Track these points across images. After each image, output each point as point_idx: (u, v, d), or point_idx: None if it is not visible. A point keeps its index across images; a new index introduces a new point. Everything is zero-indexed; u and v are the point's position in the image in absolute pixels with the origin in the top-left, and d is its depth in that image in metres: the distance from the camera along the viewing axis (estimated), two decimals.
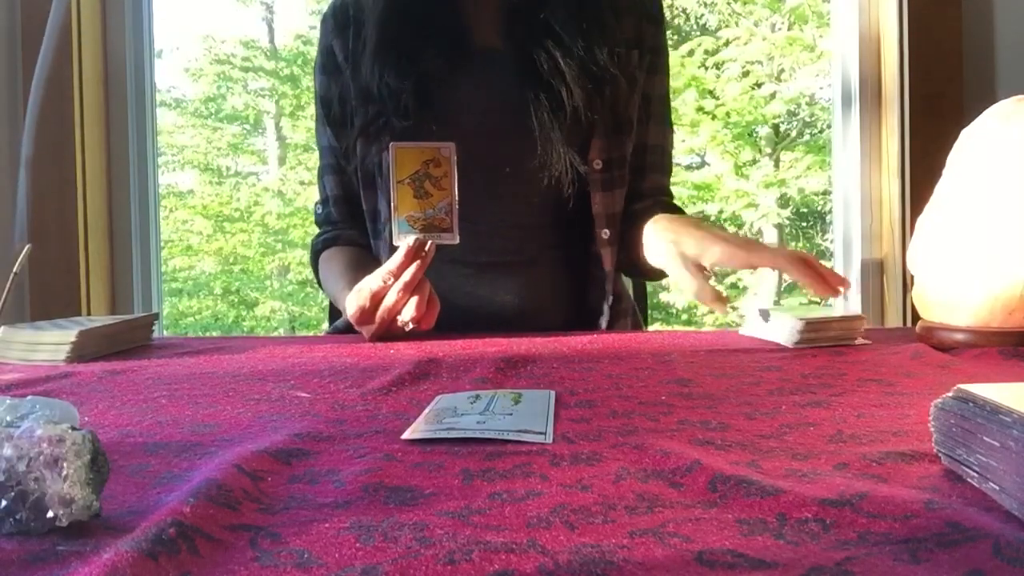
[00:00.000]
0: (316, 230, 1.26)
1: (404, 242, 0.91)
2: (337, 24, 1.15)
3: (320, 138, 1.20)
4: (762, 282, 6.34)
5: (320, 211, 1.23)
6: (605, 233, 1.08)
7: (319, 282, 1.23)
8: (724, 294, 0.93)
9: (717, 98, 6.31)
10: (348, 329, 1.17)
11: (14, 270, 0.83)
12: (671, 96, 1.23)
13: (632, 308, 1.20)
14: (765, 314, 0.92)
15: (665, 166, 1.19)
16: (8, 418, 0.43)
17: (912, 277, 0.88)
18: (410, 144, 0.93)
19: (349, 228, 1.19)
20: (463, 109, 1.08)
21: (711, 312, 6.27)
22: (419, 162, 0.93)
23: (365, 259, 1.15)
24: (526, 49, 1.06)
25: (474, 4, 1.11)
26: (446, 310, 1.07)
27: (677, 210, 1.15)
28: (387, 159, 1.07)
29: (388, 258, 1.07)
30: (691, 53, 6.27)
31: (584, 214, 1.09)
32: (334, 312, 1.34)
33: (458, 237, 0.93)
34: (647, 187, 1.16)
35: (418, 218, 0.93)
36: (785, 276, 6.34)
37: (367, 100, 1.08)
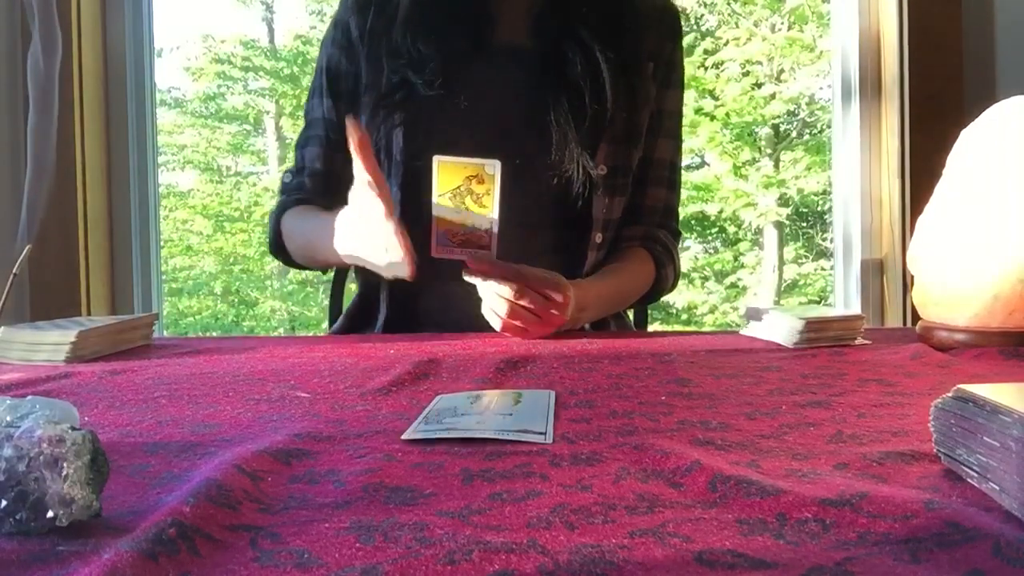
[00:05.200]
0: None
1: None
2: (358, 1, 1.14)
3: (314, 109, 1.18)
4: (762, 282, 6.35)
5: (290, 180, 1.19)
6: (598, 237, 1.09)
7: (280, 240, 1.17)
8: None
9: (717, 98, 6.31)
10: (350, 330, 1.17)
11: (14, 271, 0.83)
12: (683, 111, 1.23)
13: (617, 314, 1.20)
14: (756, 313, 0.92)
15: (671, 181, 1.19)
16: (8, 418, 0.43)
17: (912, 277, 0.88)
18: (453, 159, 0.93)
19: (321, 201, 1.14)
20: (480, 98, 1.08)
21: (711, 312, 6.27)
22: (461, 177, 0.93)
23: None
24: (552, 47, 1.06)
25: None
26: (445, 309, 1.07)
27: (661, 250, 1.15)
28: (398, 139, 1.07)
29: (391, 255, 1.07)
30: (690, 53, 6.27)
31: (581, 218, 1.09)
32: (334, 312, 1.34)
33: (496, 255, 0.93)
34: (647, 204, 1.17)
35: (457, 233, 0.93)
36: (786, 277, 6.32)
37: (392, 65, 1.07)
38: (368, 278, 1.13)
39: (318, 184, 1.16)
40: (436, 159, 0.93)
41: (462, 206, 0.93)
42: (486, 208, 0.93)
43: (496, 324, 0.93)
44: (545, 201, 1.08)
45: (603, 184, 1.07)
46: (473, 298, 0.95)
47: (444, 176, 0.93)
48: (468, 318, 0.98)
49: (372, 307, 1.13)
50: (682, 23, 1.19)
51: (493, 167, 0.92)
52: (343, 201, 1.12)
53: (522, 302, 0.90)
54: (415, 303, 1.11)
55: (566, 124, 1.04)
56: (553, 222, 1.10)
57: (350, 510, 0.37)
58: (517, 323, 0.91)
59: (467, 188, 0.93)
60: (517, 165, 0.96)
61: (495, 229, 0.93)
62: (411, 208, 1.07)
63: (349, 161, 1.12)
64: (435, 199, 0.93)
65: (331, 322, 1.33)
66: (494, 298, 0.91)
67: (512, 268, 0.91)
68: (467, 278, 0.94)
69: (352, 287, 1.27)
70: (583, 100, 1.04)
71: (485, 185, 0.93)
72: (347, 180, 1.12)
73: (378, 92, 1.08)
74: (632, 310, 1.32)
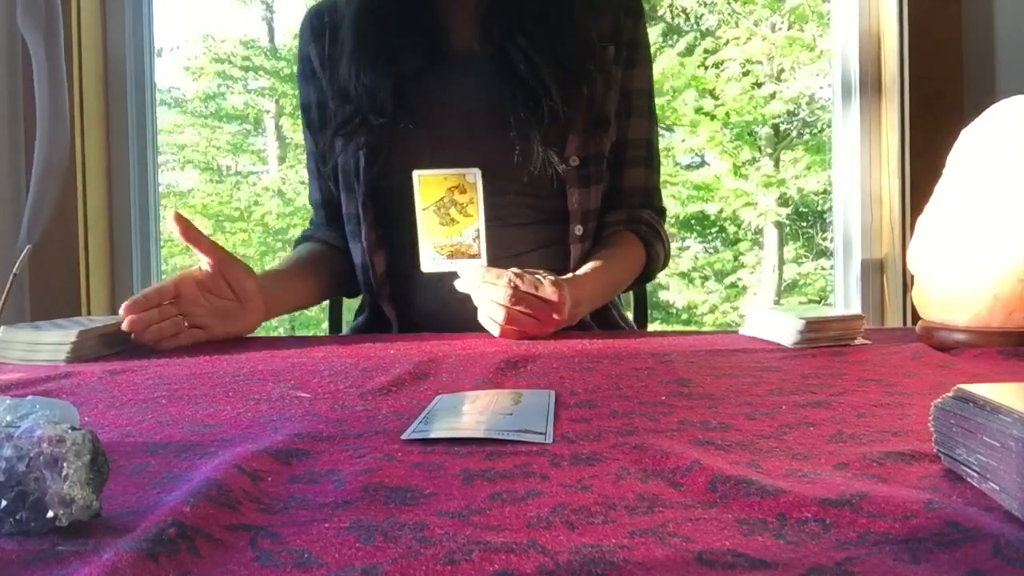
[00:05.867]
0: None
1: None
2: (313, 30, 1.16)
3: (305, 143, 1.22)
4: (761, 282, 6.35)
5: (311, 212, 1.27)
6: (578, 229, 1.09)
7: None
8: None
9: (717, 98, 6.31)
10: (363, 330, 1.18)
11: (14, 271, 0.83)
12: (655, 90, 1.22)
13: (613, 302, 1.20)
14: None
15: (649, 160, 1.19)
16: (8, 418, 0.43)
17: (912, 277, 0.88)
18: (433, 171, 0.93)
19: (327, 230, 1.21)
20: (441, 108, 1.08)
21: (711, 312, 6.27)
22: (443, 189, 0.93)
23: (317, 258, 1.16)
24: (502, 48, 1.06)
25: (450, 5, 1.11)
26: (441, 313, 1.07)
27: (647, 230, 1.15)
28: (361, 163, 1.07)
29: (372, 265, 1.08)
30: (690, 52, 6.27)
31: (561, 212, 1.09)
32: (334, 312, 1.34)
33: (486, 262, 0.93)
34: (626, 186, 1.16)
35: (444, 245, 0.94)
36: (786, 276, 6.32)
37: (344, 101, 1.08)
38: (373, 298, 1.13)
39: (321, 214, 1.22)
40: (416, 173, 0.93)
41: (447, 218, 0.93)
42: (471, 217, 0.93)
43: (494, 331, 0.93)
44: (521, 200, 1.08)
45: (576, 176, 1.07)
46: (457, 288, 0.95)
47: (426, 190, 0.93)
48: (472, 321, 0.98)
49: (380, 326, 1.13)
50: (642, 1, 1.18)
51: (474, 175, 0.92)
52: (340, 228, 1.15)
53: (518, 307, 0.90)
54: (417, 312, 1.11)
55: (526, 123, 1.04)
56: (532, 220, 1.10)
57: (350, 510, 0.37)
58: (515, 328, 0.91)
59: (450, 199, 0.93)
60: (488, 168, 0.97)
61: (482, 236, 0.93)
62: (379, 230, 1.08)
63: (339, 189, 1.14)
64: (419, 213, 0.93)
65: (331, 325, 1.33)
66: (490, 305, 0.91)
67: (505, 273, 0.91)
68: (460, 288, 0.94)
69: None
70: (539, 98, 1.04)
71: (467, 194, 0.93)
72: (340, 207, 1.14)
73: (340, 119, 1.09)
74: (632, 309, 1.32)
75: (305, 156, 1.24)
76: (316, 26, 1.16)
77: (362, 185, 1.07)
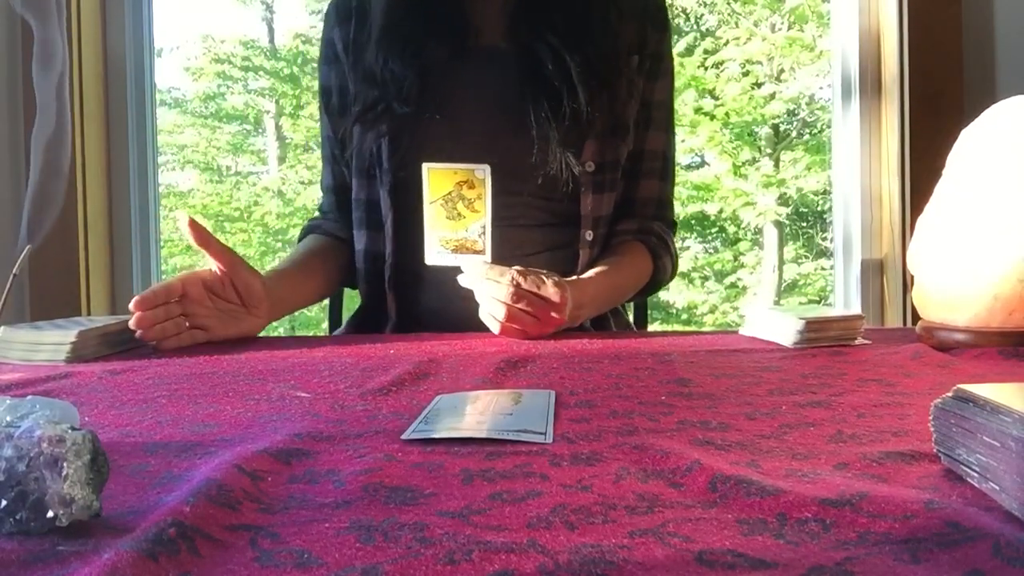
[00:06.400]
0: None
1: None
2: (339, 15, 1.16)
3: (321, 128, 1.22)
4: (761, 282, 6.35)
5: (321, 199, 1.27)
6: (588, 234, 1.09)
7: None
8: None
9: (717, 98, 6.31)
10: (356, 330, 1.17)
11: (14, 271, 0.83)
12: (675, 101, 1.22)
13: (617, 310, 1.20)
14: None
15: (664, 172, 1.19)
16: (8, 418, 0.43)
17: (912, 277, 0.88)
18: (443, 165, 0.93)
19: (334, 220, 1.21)
20: (461, 103, 1.08)
21: (711, 312, 6.28)
22: (452, 183, 0.93)
23: (323, 252, 1.17)
24: (529, 48, 1.06)
25: (480, 2, 1.11)
26: (444, 311, 1.07)
27: (656, 242, 1.15)
28: (384, 149, 1.07)
29: (391, 252, 1.08)
30: (690, 52, 6.27)
31: (573, 215, 1.09)
32: (334, 312, 1.34)
33: (490, 259, 0.94)
34: (640, 196, 1.16)
35: (450, 239, 0.94)
36: (785, 276, 6.32)
37: (368, 86, 1.08)
38: (372, 288, 1.13)
39: (332, 201, 1.22)
40: (426, 166, 0.94)
41: (454, 212, 0.93)
42: (478, 213, 0.93)
43: (494, 328, 0.93)
44: (533, 202, 1.08)
45: (591, 181, 1.07)
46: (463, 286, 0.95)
47: (435, 183, 0.93)
48: (474, 317, 0.98)
49: (379, 317, 1.13)
50: (668, 12, 1.19)
51: (483, 171, 0.92)
52: (350, 215, 1.15)
53: (519, 305, 0.90)
54: (420, 306, 1.11)
55: (546, 124, 1.04)
56: (543, 222, 1.10)
57: (350, 510, 0.37)
58: (516, 326, 0.91)
59: (458, 194, 0.93)
60: (503, 167, 0.97)
61: (488, 233, 0.93)
62: (400, 216, 1.08)
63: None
64: (427, 206, 0.94)
65: (331, 323, 1.33)
66: (491, 302, 0.91)
67: (508, 271, 0.91)
68: (463, 283, 0.94)
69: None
70: (561, 99, 1.04)
71: (476, 190, 0.93)
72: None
73: (363, 104, 1.09)
74: (632, 310, 1.32)
75: (321, 144, 1.24)
76: (342, 11, 1.16)
77: (386, 173, 1.07)
